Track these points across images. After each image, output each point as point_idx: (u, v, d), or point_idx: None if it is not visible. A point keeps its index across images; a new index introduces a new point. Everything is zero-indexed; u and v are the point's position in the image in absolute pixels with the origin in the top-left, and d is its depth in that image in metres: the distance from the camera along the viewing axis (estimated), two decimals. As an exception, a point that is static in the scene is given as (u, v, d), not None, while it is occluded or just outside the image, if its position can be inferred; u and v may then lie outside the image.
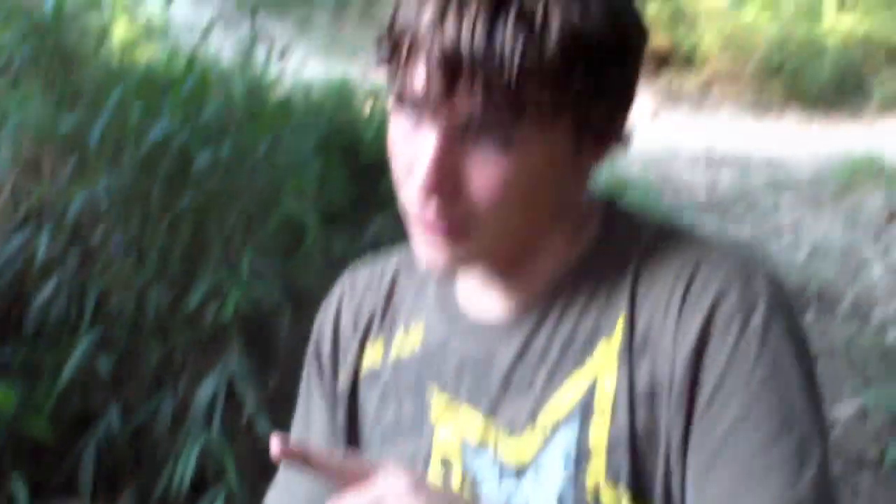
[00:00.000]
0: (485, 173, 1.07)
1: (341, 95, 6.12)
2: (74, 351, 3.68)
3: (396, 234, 4.64)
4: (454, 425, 1.19)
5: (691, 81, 12.24)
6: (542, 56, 1.02)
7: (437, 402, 1.21)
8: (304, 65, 6.08)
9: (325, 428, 1.37)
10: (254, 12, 5.07)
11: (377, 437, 1.27)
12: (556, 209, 1.16)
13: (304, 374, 1.43)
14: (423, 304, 1.28)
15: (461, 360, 1.20)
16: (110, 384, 3.80)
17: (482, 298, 1.21)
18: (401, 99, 1.09)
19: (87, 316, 3.81)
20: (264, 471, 4.14)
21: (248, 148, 4.18)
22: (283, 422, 4.12)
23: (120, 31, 6.03)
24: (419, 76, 1.06)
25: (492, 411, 1.16)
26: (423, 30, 1.04)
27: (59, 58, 4.52)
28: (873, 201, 8.41)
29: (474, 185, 1.08)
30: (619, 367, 1.10)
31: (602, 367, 1.11)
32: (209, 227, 3.98)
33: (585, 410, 1.11)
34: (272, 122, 4.55)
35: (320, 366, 1.38)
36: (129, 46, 5.68)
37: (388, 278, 1.33)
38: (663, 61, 11.67)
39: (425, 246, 1.13)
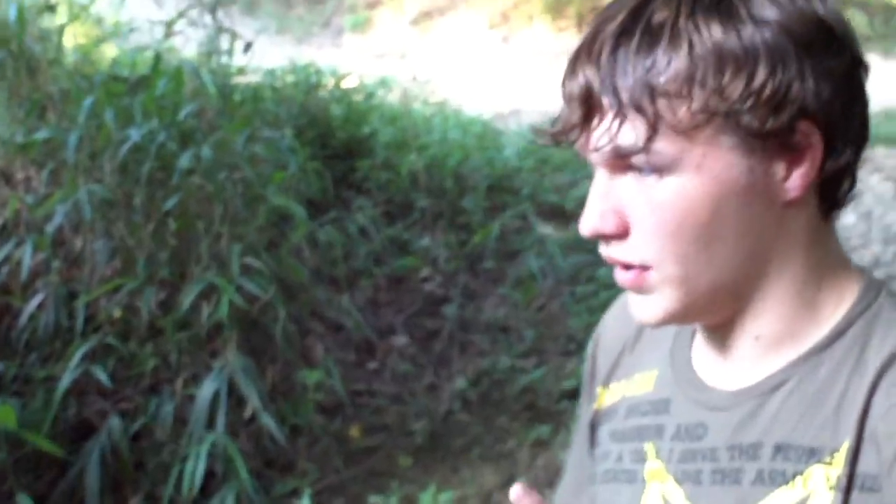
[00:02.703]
0: (641, 204, 1.04)
1: (308, 80, 6.09)
2: (69, 362, 3.67)
3: (381, 220, 4.61)
4: (661, 492, 1.15)
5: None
6: (668, 71, 1.00)
7: (650, 466, 1.17)
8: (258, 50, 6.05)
9: (582, 456, 1.34)
10: (213, 8, 5.04)
11: (601, 474, 1.24)
12: (758, 253, 1.07)
13: (583, 392, 1.38)
14: (662, 348, 1.23)
15: (678, 425, 1.15)
16: (108, 392, 3.79)
17: (709, 357, 1.15)
18: (557, 144, 1.09)
19: (79, 325, 3.80)
20: (270, 465, 4.15)
21: (226, 144, 4.16)
22: (285, 415, 4.13)
23: (78, 33, 5.97)
24: (565, 115, 1.06)
25: (693, 498, 1.11)
26: (566, 77, 1.06)
27: (25, 64, 4.47)
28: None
29: (637, 219, 1.05)
30: (834, 496, 1.01)
31: (814, 490, 1.03)
32: (195, 226, 3.97)
33: None
34: (245, 116, 4.53)
35: (586, 397, 1.34)
36: (90, 48, 5.61)
37: None
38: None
39: (629, 300, 1.11)
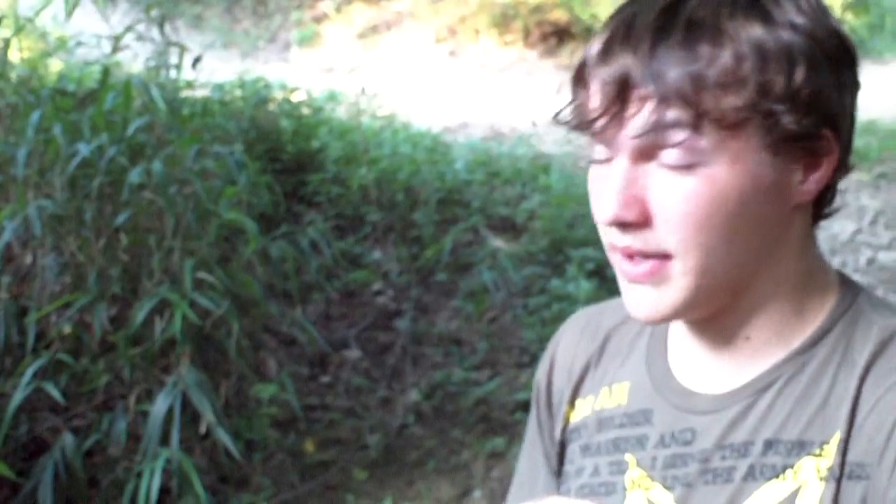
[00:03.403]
0: (670, 193, 1.04)
1: (257, 94, 6.08)
2: (20, 379, 3.62)
3: (332, 234, 4.61)
4: (647, 498, 1.15)
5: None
6: (714, 66, 1.01)
7: (631, 474, 1.17)
8: (206, 64, 6.02)
9: (547, 479, 1.33)
10: (163, 22, 5.01)
11: (575, 490, 1.24)
12: (762, 250, 1.09)
13: (528, 424, 1.37)
14: (633, 360, 1.23)
15: (662, 434, 1.15)
16: (60, 408, 3.75)
17: (691, 361, 1.17)
18: (582, 130, 1.08)
19: (30, 341, 3.75)
20: (225, 480, 4.13)
21: (176, 159, 4.14)
22: (240, 430, 4.10)
23: (23, 47, 5.91)
24: (591, 103, 1.06)
25: (684, 500, 1.12)
26: (592, 61, 1.06)
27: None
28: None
29: (662, 208, 1.05)
30: (825, 487, 1.04)
31: (805, 481, 1.06)
32: (147, 241, 3.94)
33: None
34: (195, 131, 4.51)
35: (539, 420, 1.33)
36: (36, 62, 5.56)
37: (603, 330, 1.29)
38: (563, 35, 11.76)
39: (629, 295, 1.10)
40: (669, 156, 1.04)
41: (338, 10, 12.00)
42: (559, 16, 11.49)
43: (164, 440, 3.62)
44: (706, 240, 1.05)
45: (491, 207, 6.15)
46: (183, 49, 5.07)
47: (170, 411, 3.63)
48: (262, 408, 4.07)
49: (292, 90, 6.66)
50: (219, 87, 6.02)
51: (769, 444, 1.08)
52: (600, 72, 1.05)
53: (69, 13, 5.19)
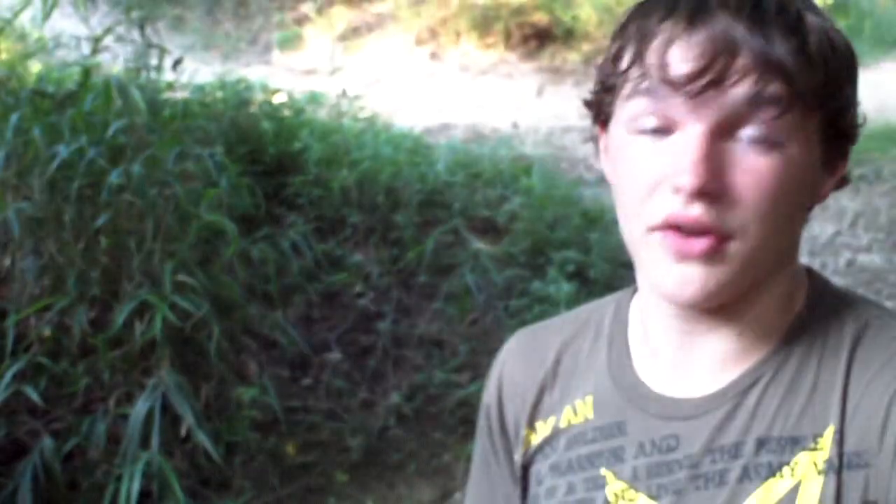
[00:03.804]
0: (750, 171, 1.01)
1: (238, 96, 6.06)
2: (-1, 381, 3.61)
3: (314, 236, 4.60)
4: None
5: (573, 55, 12.38)
6: (805, 51, 1.01)
7: (612, 488, 1.14)
8: (187, 66, 6.00)
9: (509, 497, 1.28)
10: (143, 24, 5.00)
11: None
12: (792, 241, 1.10)
13: (477, 446, 1.32)
14: (593, 373, 1.20)
15: (640, 443, 1.13)
16: (40, 411, 3.73)
17: (665, 368, 1.15)
18: (654, 94, 1.03)
19: (9, 344, 3.74)
20: (206, 483, 4.12)
21: (156, 160, 4.12)
22: (220, 433, 4.09)
23: (1, 48, 5.89)
24: (682, 63, 1.01)
25: None
26: (683, 20, 1.01)
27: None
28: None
29: (739, 185, 1.01)
30: (826, 480, 1.03)
31: (804, 476, 1.05)
32: (127, 243, 3.93)
33: None
34: (175, 132, 4.49)
35: (493, 443, 1.29)
36: (14, 63, 5.54)
37: (554, 349, 1.25)
38: (544, 37, 11.76)
39: (673, 274, 1.05)
40: (757, 131, 1.01)
41: (319, 12, 11.98)
42: (540, 18, 11.50)
43: (145, 443, 3.61)
44: (772, 222, 1.03)
45: (472, 209, 6.15)
46: (163, 51, 5.06)
47: (150, 414, 3.62)
48: (243, 410, 4.06)
49: (273, 92, 6.64)
50: (199, 89, 6.00)
51: (761, 443, 1.07)
52: (697, 32, 1.00)
53: (46, 15, 5.17)
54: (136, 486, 3.43)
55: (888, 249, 6.84)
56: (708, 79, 1.00)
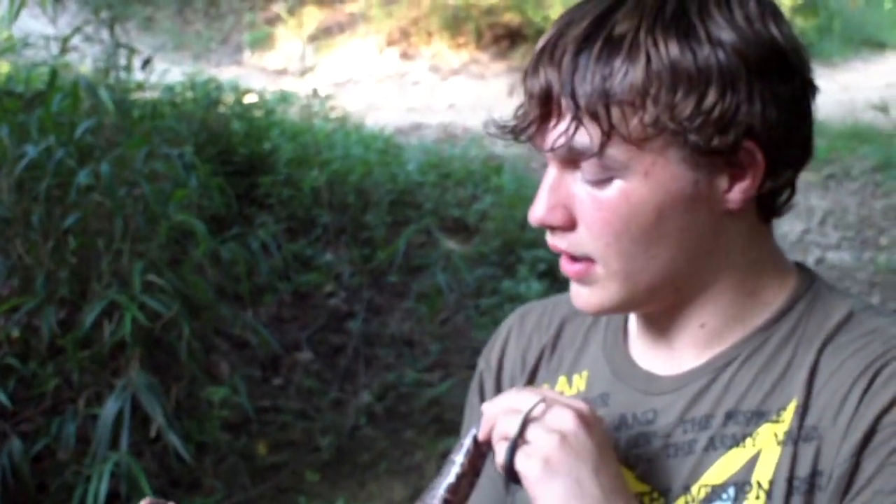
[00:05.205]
0: (588, 204, 1.10)
1: (208, 96, 6.04)
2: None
3: (284, 236, 4.59)
4: None
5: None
6: (624, 82, 1.05)
7: None
8: (157, 66, 5.98)
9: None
10: (112, 24, 4.97)
11: None
12: (696, 252, 1.13)
13: (468, 406, 1.39)
14: (590, 349, 1.27)
15: (621, 416, 1.19)
16: (8, 413, 3.71)
17: (650, 348, 1.21)
18: (512, 138, 1.14)
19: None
20: (176, 484, 4.11)
21: (125, 161, 4.11)
22: (191, 433, 4.08)
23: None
24: (523, 113, 1.12)
25: (646, 476, 1.15)
26: (527, 74, 1.11)
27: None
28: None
29: (583, 216, 1.11)
30: (783, 450, 1.09)
31: (763, 446, 1.10)
32: (95, 243, 3.91)
33: (741, 487, 1.10)
34: (144, 132, 4.48)
35: (485, 396, 1.34)
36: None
37: (557, 321, 1.33)
38: (515, 37, 11.78)
39: (571, 288, 1.17)
40: (585, 169, 1.09)
41: (290, 12, 11.95)
42: (511, 18, 11.51)
43: (114, 444, 3.59)
44: (625, 248, 1.10)
45: (443, 209, 6.16)
46: (132, 51, 5.03)
47: (119, 415, 3.60)
48: (214, 410, 4.05)
49: (244, 92, 6.63)
50: (169, 89, 5.98)
51: (729, 416, 1.13)
52: (530, 83, 1.10)
53: (14, 15, 5.14)
54: (104, 487, 3.41)
55: (857, 247, 6.90)
56: (532, 129, 1.10)
